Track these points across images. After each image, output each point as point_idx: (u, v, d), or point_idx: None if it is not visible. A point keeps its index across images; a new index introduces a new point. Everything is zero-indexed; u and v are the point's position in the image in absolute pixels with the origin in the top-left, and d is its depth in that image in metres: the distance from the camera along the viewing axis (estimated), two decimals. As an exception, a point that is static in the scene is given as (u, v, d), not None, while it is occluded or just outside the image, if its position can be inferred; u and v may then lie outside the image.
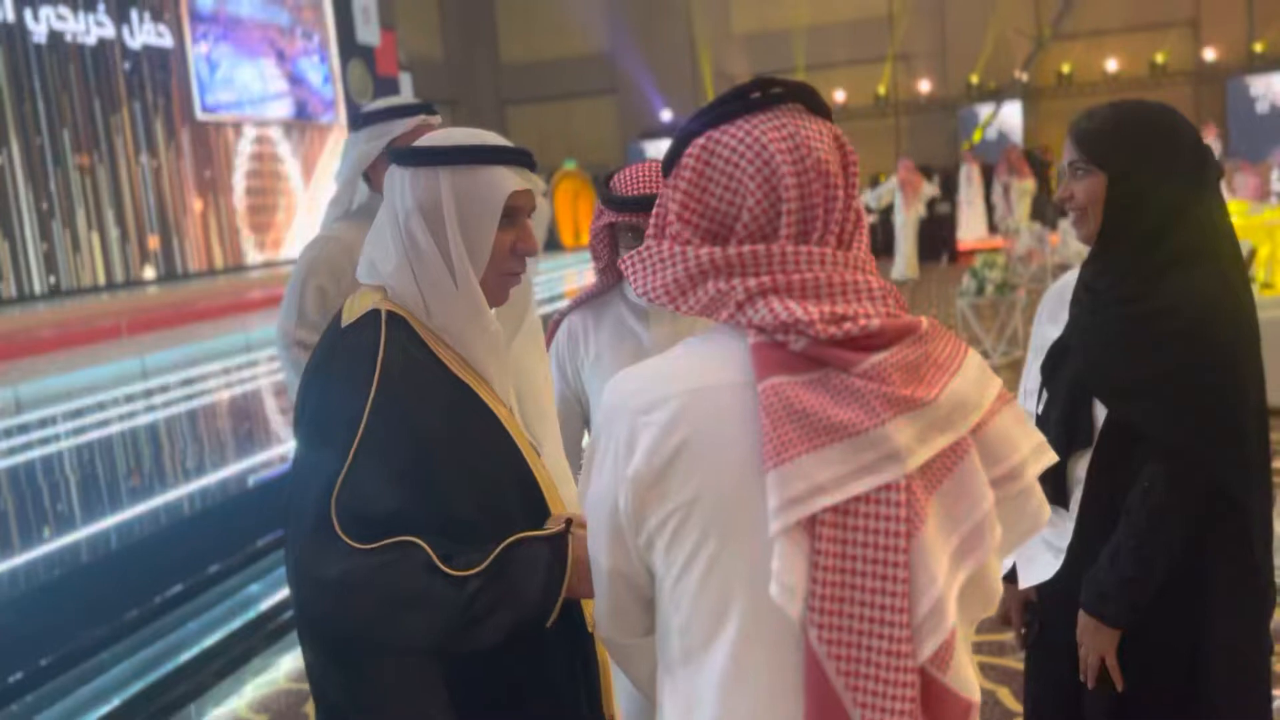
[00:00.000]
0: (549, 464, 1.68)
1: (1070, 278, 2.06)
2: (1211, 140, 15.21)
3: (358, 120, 2.66)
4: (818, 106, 1.15)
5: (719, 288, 1.09)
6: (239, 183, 15.74)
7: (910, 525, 1.03)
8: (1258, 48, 20.46)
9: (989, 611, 1.17)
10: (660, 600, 1.16)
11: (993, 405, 1.11)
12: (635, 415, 1.10)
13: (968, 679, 1.11)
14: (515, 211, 1.54)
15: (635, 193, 2.07)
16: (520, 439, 1.55)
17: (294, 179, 16.90)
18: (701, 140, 1.13)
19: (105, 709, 3.52)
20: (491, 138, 1.57)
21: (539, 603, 1.40)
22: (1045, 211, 19.15)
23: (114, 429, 6.82)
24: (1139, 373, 1.78)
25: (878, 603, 1.03)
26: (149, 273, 13.68)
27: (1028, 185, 15.37)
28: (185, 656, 3.88)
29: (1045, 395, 1.95)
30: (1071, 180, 1.86)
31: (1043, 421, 1.93)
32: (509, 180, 1.52)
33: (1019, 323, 8.80)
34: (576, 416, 2.31)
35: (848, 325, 1.05)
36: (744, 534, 1.07)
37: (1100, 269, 1.86)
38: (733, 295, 1.08)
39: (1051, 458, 1.17)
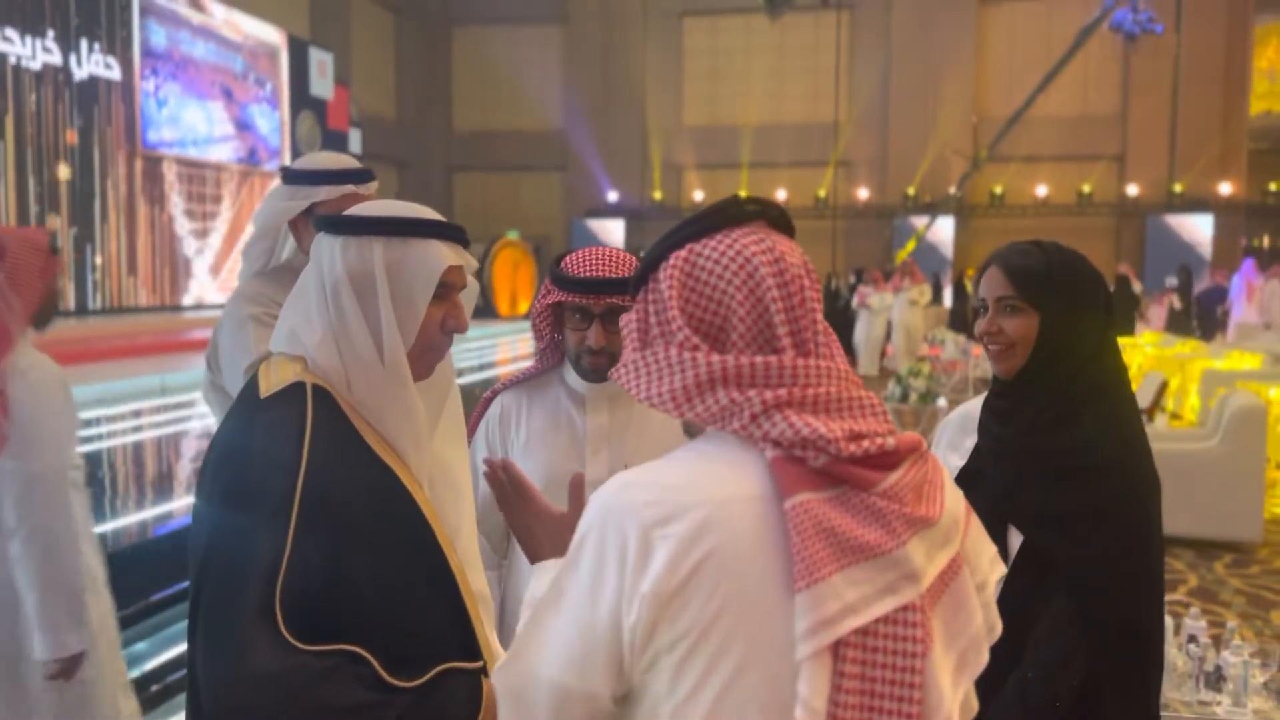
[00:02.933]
0: (462, 549, 1.62)
1: (970, 407, 2.11)
2: (1130, 276, 15.87)
3: (286, 174, 2.60)
4: (786, 225, 1.19)
5: (732, 397, 1.08)
6: (176, 220, 15.47)
7: (924, 645, 1.05)
8: (1177, 188, 21.56)
9: None
10: None
11: (965, 518, 1.15)
12: (649, 527, 1.05)
13: None
14: (447, 287, 1.51)
15: (587, 275, 2.07)
16: (436, 525, 1.49)
17: (230, 222, 16.67)
18: (683, 253, 1.14)
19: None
20: (427, 212, 1.55)
21: None
22: (968, 324, 19.71)
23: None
24: (1053, 503, 1.81)
25: None
26: (88, 302, 13.29)
27: (915, 294, 14.59)
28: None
29: None
30: (1000, 315, 1.89)
31: None
32: (445, 255, 1.49)
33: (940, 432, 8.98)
34: None
35: (866, 444, 1.06)
36: (762, 654, 1.04)
37: (1016, 402, 1.89)
38: (748, 406, 1.07)
39: (1002, 569, 1.20)
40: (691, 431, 1.24)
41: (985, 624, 1.16)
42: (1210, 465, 6.15)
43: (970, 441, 2.01)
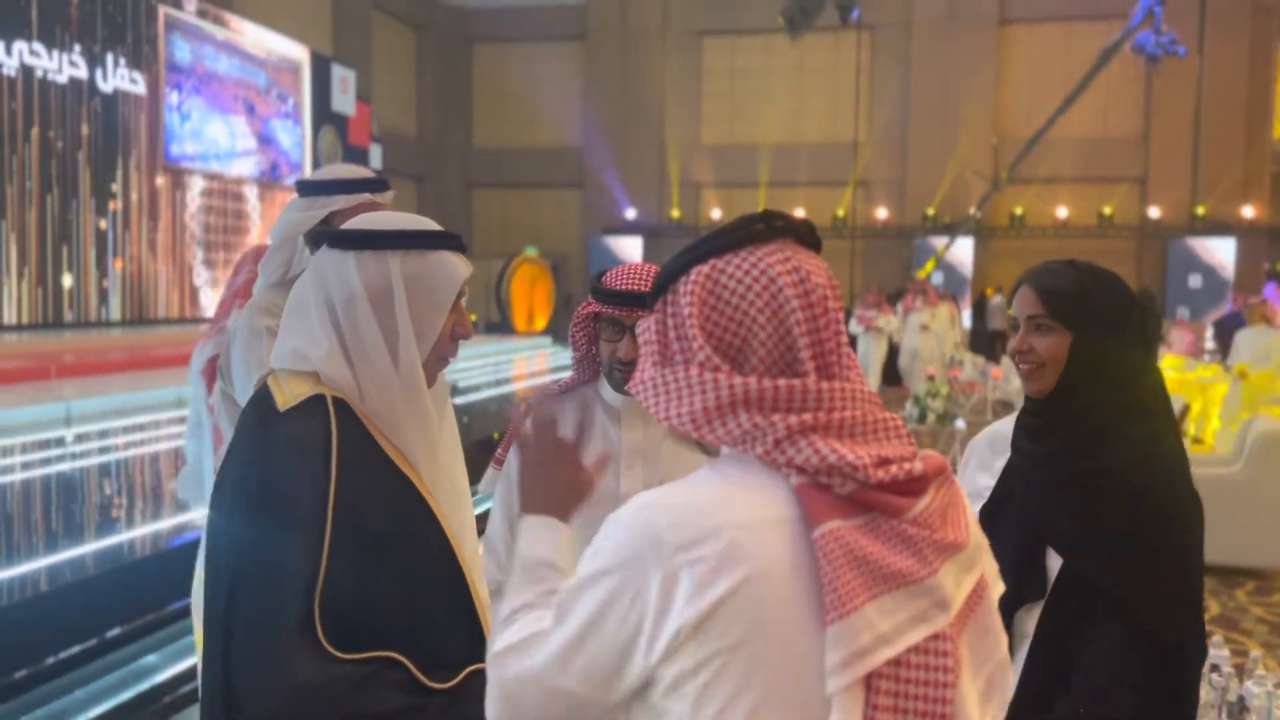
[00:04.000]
0: (469, 553, 1.64)
1: (1001, 427, 2.08)
2: (1151, 297, 15.75)
3: (301, 186, 2.62)
4: (813, 241, 1.16)
5: (755, 421, 1.06)
6: (198, 234, 15.59)
7: (954, 674, 1.03)
8: (1199, 210, 21.43)
9: None
10: None
11: (981, 536, 1.14)
12: (675, 550, 1.03)
13: None
14: (458, 297, 1.56)
15: (624, 288, 2.08)
16: (449, 532, 1.52)
17: (253, 236, 16.79)
18: (705, 268, 1.11)
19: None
20: (429, 223, 1.57)
21: None
22: (988, 345, 19.61)
23: (21, 476, 6.56)
24: (1095, 527, 1.78)
25: None
26: (108, 313, 13.38)
27: (926, 317, 13.58)
28: (68, 727, 3.64)
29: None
30: (1031, 334, 1.87)
31: None
32: (460, 267, 1.54)
33: (957, 453, 8.92)
34: None
35: (894, 469, 1.04)
36: (789, 683, 1.02)
37: (1051, 422, 1.87)
38: (771, 431, 1.05)
39: (1002, 587, 1.19)
40: (709, 450, 1.22)
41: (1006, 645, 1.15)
42: (1233, 491, 6.07)
43: (1000, 462, 1.99)
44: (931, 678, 1.02)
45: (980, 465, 2.10)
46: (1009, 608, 1.85)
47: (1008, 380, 12.26)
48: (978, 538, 1.12)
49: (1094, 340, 1.81)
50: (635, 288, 2.07)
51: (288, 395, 1.44)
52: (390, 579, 1.38)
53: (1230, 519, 5.98)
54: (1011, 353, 1.90)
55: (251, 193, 17.01)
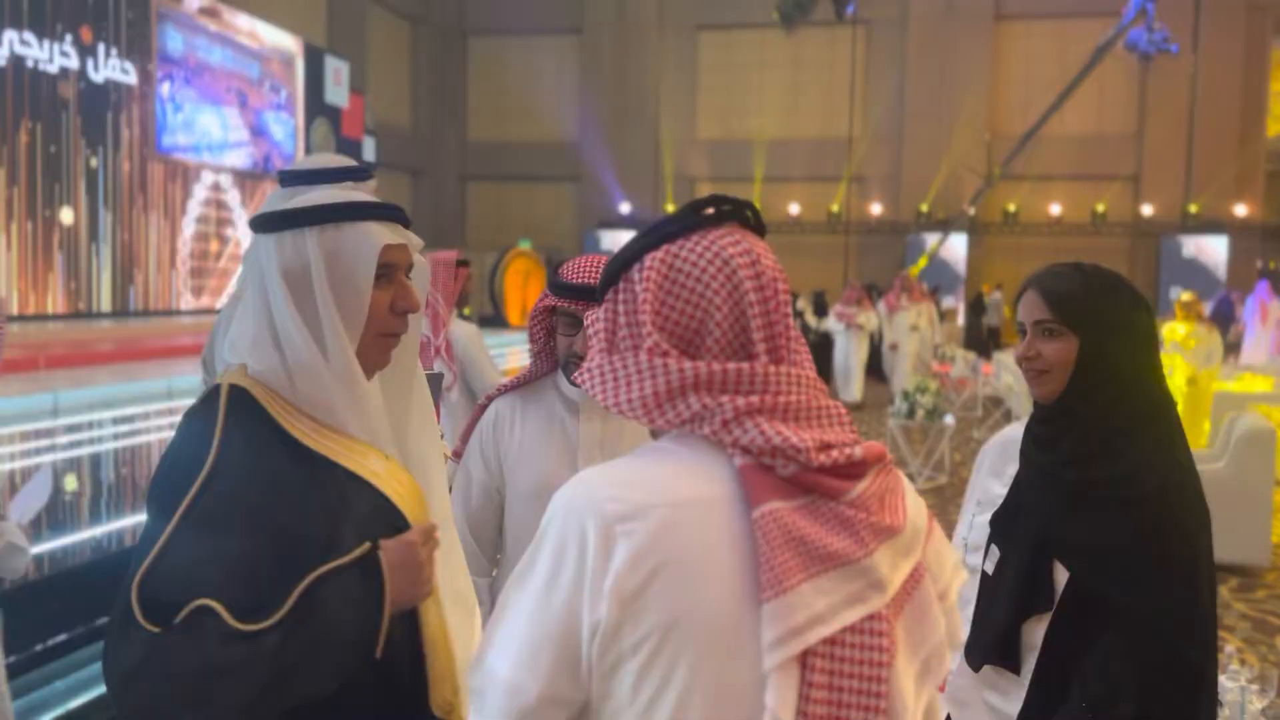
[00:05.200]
0: (443, 539, 1.56)
1: (1013, 432, 2.05)
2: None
3: (283, 176, 2.61)
4: (758, 225, 1.17)
5: (704, 403, 1.06)
6: (186, 227, 15.55)
7: (889, 654, 1.04)
8: (1193, 209, 21.47)
9: None
10: None
11: (928, 525, 1.14)
12: (611, 522, 1.03)
13: None
14: (390, 269, 1.47)
15: (579, 281, 2.06)
16: (404, 510, 1.45)
17: (241, 229, 16.75)
18: (659, 254, 1.11)
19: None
20: (359, 195, 1.50)
21: (356, 636, 1.30)
22: (979, 341, 19.62)
23: (6, 466, 6.54)
24: (1100, 537, 1.76)
25: None
26: (100, 304, 13.35)
27: (912, 316, 12.98)
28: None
29: (997, 554, 1.93)
30: (1038, 339, 1.84)
31: (996, 583, 1.89)
32: (381, 235, 1.45)
33: (946, 449, 8.91)
34: (495, 506, 2.24)
35: (835, 454, 1.06)
36: (724, 662, 1.02)
37: (1058, 429, 1.84)
38: (719, 413, 1.06)
39: (964, 576, 1.19)
40: (656, 431, 1.22)
41: (948, 633, 1.15)
42: (1218, 487, 6.06)
43: (1012, 469, 1.97)
44: (866, 657, 1.03)
45: (992, 471, 2.09)
46: (1016, 620, 1.83)
47: (998, 376, 12.28)
48: (918, 524, 1.13)
49: (1101, 343, 1.79)
50: (591, 281, 2.06)
51: (207, 391, 1.42)
52: (289, 569, 1.29)
53: (1215, 515, 5.97)
54: (1018, 359, 1.87)
55: (241, 186, 16.97)
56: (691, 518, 1.04)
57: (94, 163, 13.70)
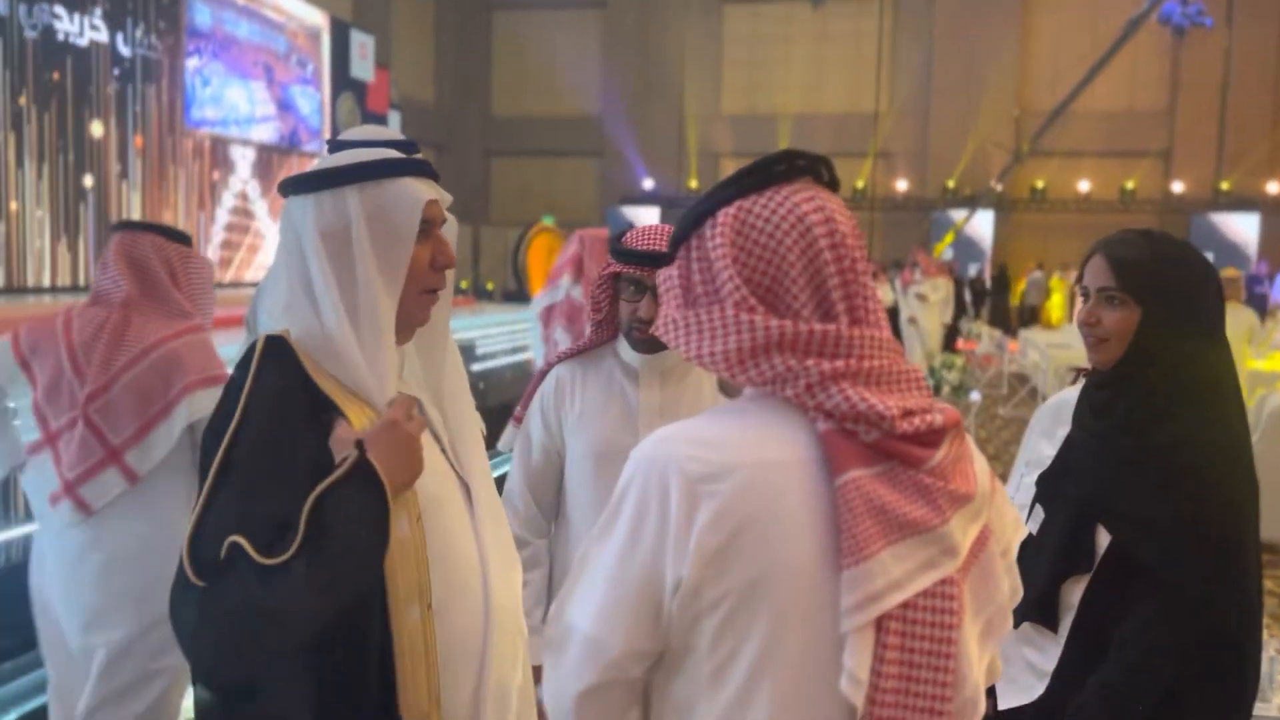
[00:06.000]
0: (481, 506, 1.55)
1: (1068, 395, 2.06)
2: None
3: (333, 145, 2.63)
4: (832, 180, 1.16)
5: (789, 365, 1.06)
6: (216, 201, 15.65)
7: (958, 617, 1.07)
8: (1224, 186, 21.18)
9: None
10: (682, 683, 1.10)
11: (991, 486, 1.16)
12: (694, 481, 1.04)
13: None
14: (429, 224, 1.46)
15: (645, 247, 2.10)
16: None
17: (267, 203, 16.83)
18: (732, 210, 1.10)
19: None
20: (391, 152, 1.48)
21: (369, 540, 1.29)
22: (1005, 318, 19.50)
23: None
24: (1145, 505, 1.77)
25: (930, 693, 1.06)
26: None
27: (926, 288, 12.50)
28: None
29: (1042, 515, 1.94)
30: (1100, 305, 1.84)
31: (1039, 543, 1.90)
32: (422, 191, 1.44)
33: (971, 426, 8.91)
34: (555, 470, 2.27)
35: (916, 421, 1.07)
36: (803, 621, 1.05)
37: (1112, 396, 1.84)
38: (804, 376, 1.06)
39: (1025, 532, 1.22)
40: (728, 390, 1.23)
41: (1010, 590, 1.17)
42: (1246, 464, 6.04)
43: (1063, 431, 1.98)
44: (938, 619, 1.06)
45: (1044, 433, 2.09)
46: (1056, 579, 1.85)
47: (1024, 354, 12.21)
48: (985, 488, 1.14)
49: (1163, 315, 1.78)
50: (656, 247, 2.09)
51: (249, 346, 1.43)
52: (283, 500, 1.28)
53: (1243, 492, 5.95)
54: (1079, 323, 1.87)
55: (268, 160, 17.04)
56: (773, 479, 1.06)
57: (124, 136, 13.79)
